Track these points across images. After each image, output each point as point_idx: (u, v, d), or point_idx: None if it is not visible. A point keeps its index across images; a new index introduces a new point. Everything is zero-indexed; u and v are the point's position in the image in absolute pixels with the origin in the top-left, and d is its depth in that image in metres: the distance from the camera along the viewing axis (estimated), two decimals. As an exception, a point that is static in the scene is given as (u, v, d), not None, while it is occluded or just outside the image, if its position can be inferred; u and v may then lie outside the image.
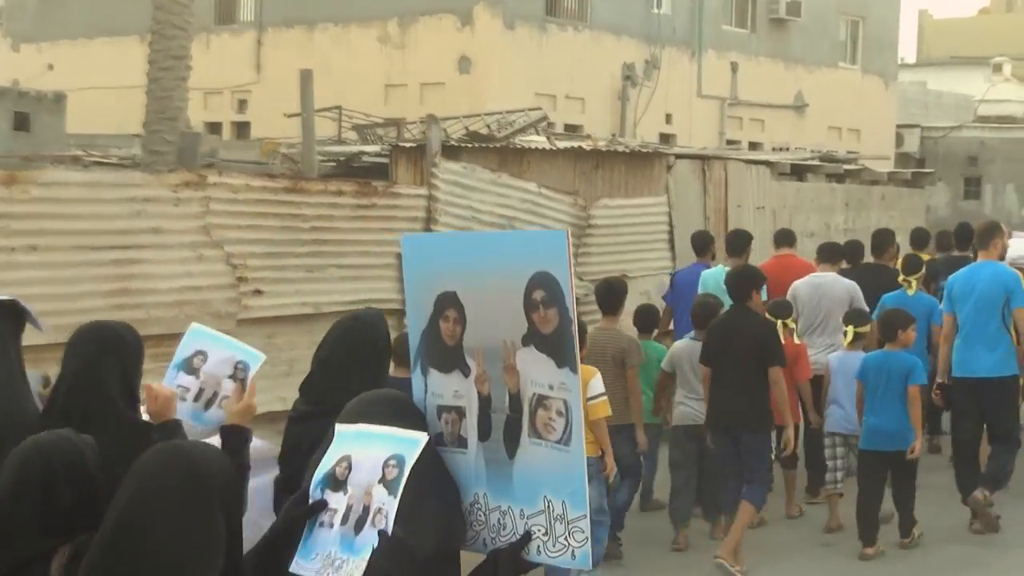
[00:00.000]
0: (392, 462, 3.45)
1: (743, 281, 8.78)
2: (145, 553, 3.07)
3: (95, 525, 3.27)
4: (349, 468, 3.49)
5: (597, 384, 7.78)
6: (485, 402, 3.79)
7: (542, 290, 3.58)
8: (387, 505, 3.40)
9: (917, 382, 8.87)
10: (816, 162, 17.26)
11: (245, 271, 9.60)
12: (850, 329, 9.76)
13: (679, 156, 14.61)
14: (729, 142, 26.61)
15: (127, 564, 3.08)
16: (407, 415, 3.74)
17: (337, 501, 3.47)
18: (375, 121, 20.09)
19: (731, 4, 27.83)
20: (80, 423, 3.79)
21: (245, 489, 4.07)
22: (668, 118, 26.44)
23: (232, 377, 4.62)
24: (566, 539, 3.65)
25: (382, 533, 3.37)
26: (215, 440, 4.17)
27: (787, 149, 24.60)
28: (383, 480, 3.44)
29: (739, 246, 11.03)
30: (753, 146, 27.40)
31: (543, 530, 3.68)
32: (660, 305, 11.29)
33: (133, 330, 4.45)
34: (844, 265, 11.50)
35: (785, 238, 11.74)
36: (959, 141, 29.76)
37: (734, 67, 27.45)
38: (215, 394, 4.62)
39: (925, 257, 12.15)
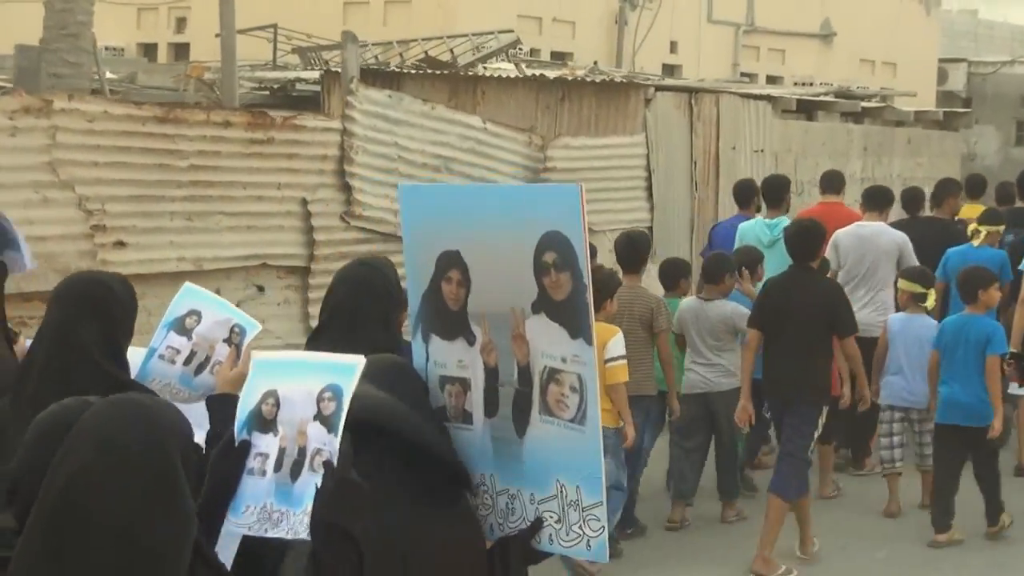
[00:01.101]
0: (327, 394, 3.31)
1: (807, 236, 8.52)
2: (108, 536, 2.75)
3: None
4: (277, 404, 3.38)
5: (617, 345, 7.74)
6: (492, 374, 3.77)
7: (553, 252, 3.56)
8: (327, 445, 3.27)
9: (996, 351, 8.71)
10: (829, 98, 16.38)
11: (103, 218, 8.88)
12: (930, 294, 9.58)
13: (660, 88, 13.77)
14: (744, 75, 25.70)
15: (77, 548, 2.75)
16: (408, 382, 3.74)
17: (267, 444, 3.36)
18: (319, 43, 19.25)
19: (749, -86, 26.87)
20: (59, 379, 3.94)
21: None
22: (673, 46, 25.51)
23: (228, 341, 4.58)
24: (580, 527, 3.65)
25: (327, 475, 3.24)
26: (200, 407, 4.23)
27: (811, 84, 23.71)
28: (319, 416, 3.30)
29: (778, 195, 10.76)
30: (772, 80, 26.51)
31: (555, 517, 3.69)
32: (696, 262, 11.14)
33: (126, 283, 4.49)
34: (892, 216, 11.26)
35: (831, 183, 11.31)
36: (1012, 78, 28.75)
37: (750, -12, 26.54)
38: (207, 358, 4.60)
39: (978, 209, 12.06)
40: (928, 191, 12.85)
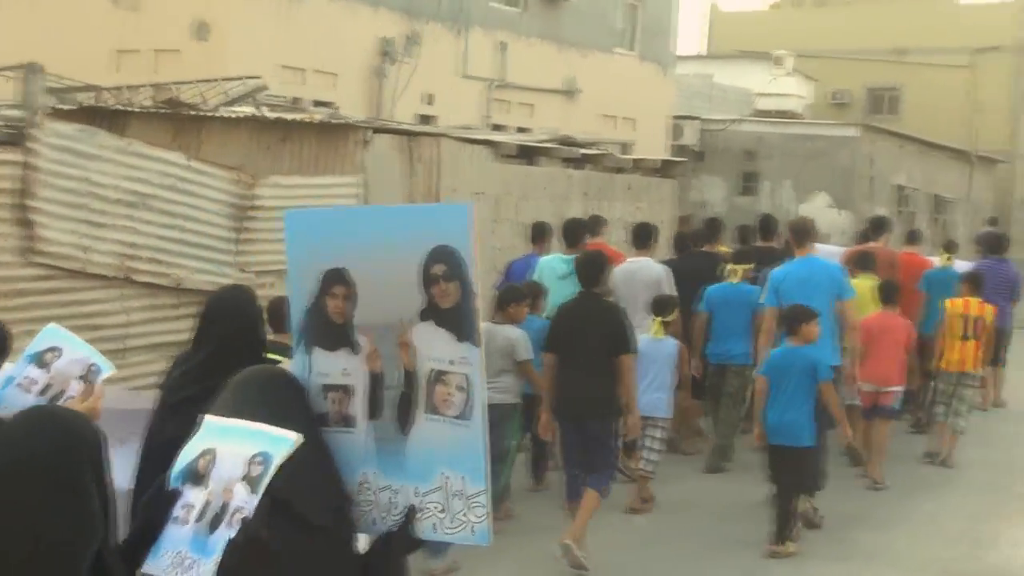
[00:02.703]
0: (258, 459, 3.30)
1: (593, 265, 8.64)
2: (13, 530, 2.74)
3: None
4: (213, 462, 3.35)
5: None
6: (377, 380, 3.74)
7: (443, 264, 3.56)
8: (248, 504, 3.25)
9: (825, 378, 8.82)
10: (549, 144, 15.45)
11: None
12: (656, 321, 9.80)
13: (378, 131, 12.62)
14: (495, 127, 24.79)
15: None
16: (288, 390, 3.66)
17: (196, 496, 3.34)
18: (72, 84, 17.65)
19: (503, -20, 26.01)
20: None
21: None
22: (430, 98, 24.44)
23: (82, 378, 4.46)
24: (465, 515, 3.60)
25: (240, 531, 3.20)
26: None
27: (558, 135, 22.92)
28: (247, 477, 3.29)
29: (574, 235, 11.04)
30: (522, 130, 25.69)
31: (440, 507, 3.63)
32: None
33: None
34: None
35: (594, 227, 11.62)
36: (738, 135, 28.72)
37: (502, 47, 25.64)
38: (61, 392, 4.44)
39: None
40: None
